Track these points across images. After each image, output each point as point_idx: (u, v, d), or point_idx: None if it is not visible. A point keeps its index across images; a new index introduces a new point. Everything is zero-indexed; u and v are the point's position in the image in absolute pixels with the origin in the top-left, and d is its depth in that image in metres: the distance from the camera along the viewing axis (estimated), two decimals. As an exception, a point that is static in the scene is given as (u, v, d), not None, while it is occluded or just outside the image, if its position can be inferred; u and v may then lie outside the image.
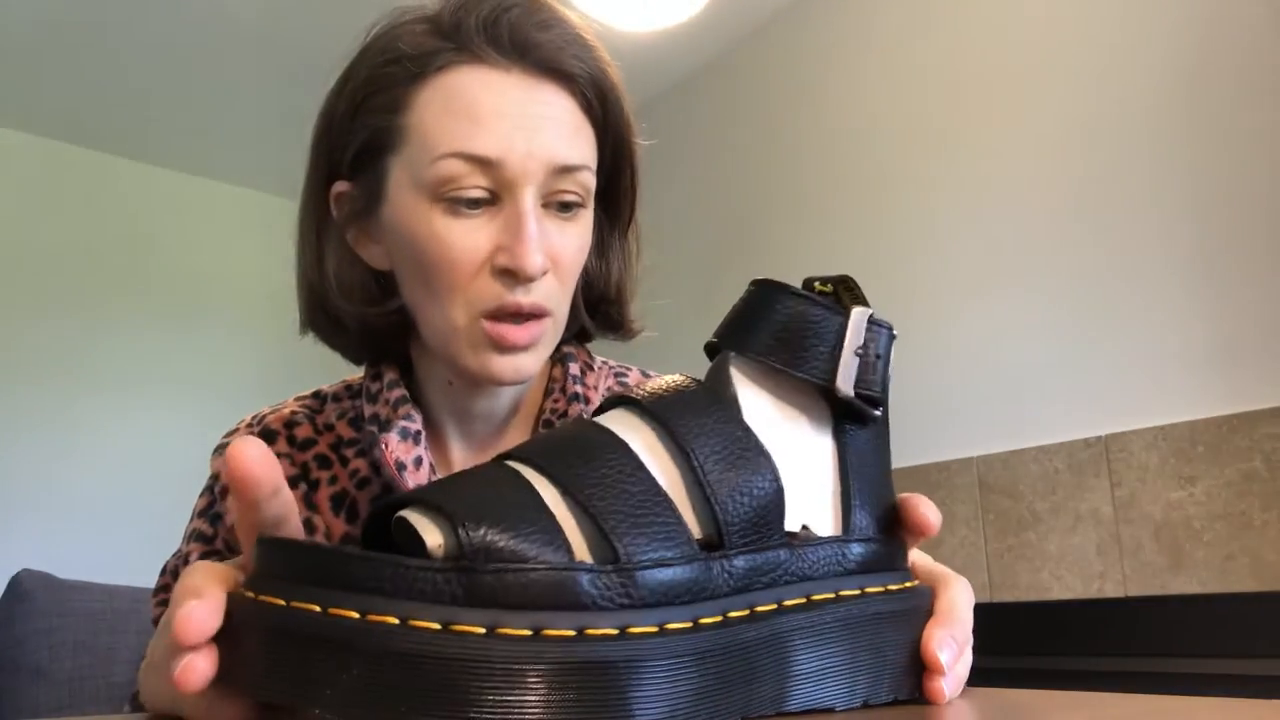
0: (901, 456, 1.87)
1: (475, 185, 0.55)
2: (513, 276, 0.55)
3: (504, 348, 0.56)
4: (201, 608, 0.26)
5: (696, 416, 0.31)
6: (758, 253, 2.30)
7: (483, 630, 0.23)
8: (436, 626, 0.23)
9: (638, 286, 0.70)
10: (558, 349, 0.69)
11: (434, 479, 0.59)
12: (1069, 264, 1.68)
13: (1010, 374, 1.76)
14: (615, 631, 0.25)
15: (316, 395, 0.70)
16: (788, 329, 0.33)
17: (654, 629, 0.25)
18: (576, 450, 0.29)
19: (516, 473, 0.29)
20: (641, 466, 0.29)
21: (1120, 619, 1.49)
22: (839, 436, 0.35)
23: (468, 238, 0.55)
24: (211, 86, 2.57)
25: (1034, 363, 1.71)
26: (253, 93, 2.61)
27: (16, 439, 2.59)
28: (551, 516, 0.27)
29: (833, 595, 0.31)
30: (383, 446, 0.59)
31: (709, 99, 2.48)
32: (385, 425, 0.61)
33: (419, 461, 0.60)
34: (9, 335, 2.63)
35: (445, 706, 0.23)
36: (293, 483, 0.63)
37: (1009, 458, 1.71)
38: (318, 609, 0.24)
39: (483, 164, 0.55)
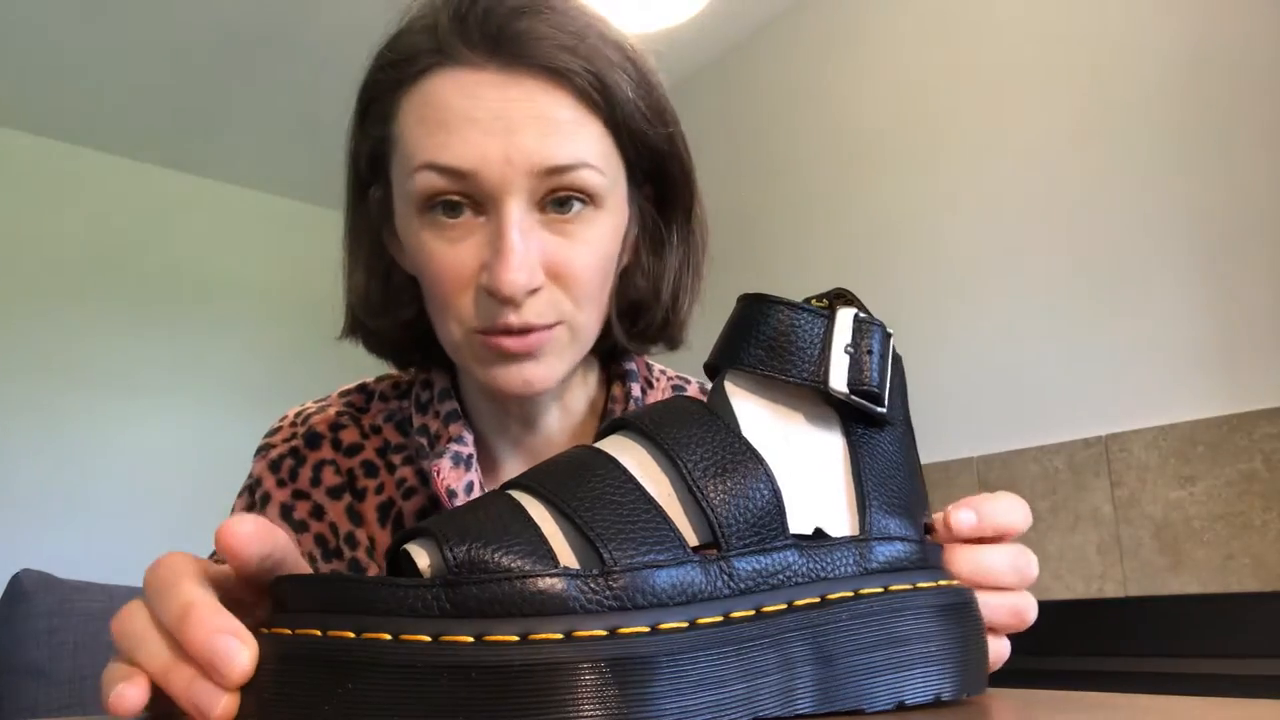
0: (901, 456, 1.87)
1: (454, 195, 0.52)
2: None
3: (505, 357, 0.53)
4: (250, 652, 0.26)
5: (685, 429, 0.31)
6: (759, 252, 2.30)
7: (471, 639, 0.24)
8: (427, 639, 0.24)
9: (698, 289, 0.64)
10: (619, 363, 0.66)
11: None
12: (1069, 264, 1.68)
13: (1010, 374, 1.75)
14: (605, 633, 0.25)
15: (362, 390, 0.68)
16: (775, 337, 0.34)
17: (646, 629, 0.26)
18: (568, 471, 0.30)
19: (508, 495, 0.30)
20: (631, 479, 0.29)
21: (1120, 619, 1.49)
22: (850, 438, 0.34)
23: (451, 254, 0.52)
24: (214, 87, 2.57)
25: (1034, 363, 1.71)
26: (255, 93, 2.61)
27: (17, 439, 2.59)
28: (537, 529, 0.27)
29: (851, 594, 0.31)
30: (435, 474, 0.57)
31: (709, 99, 2.48)
32: (435, 441, 0.60)
33: (470, 487, 0.58)
34: (10, 335, 2.63)
35: (436, 712, 0.23)
36: (338, 492, 0.62)
37: (1009, 458, 1.71)
38: (318, 633, 0.25)
39: (458, 175, 0.51)
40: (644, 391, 0.66)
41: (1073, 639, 1.52)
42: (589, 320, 0.56)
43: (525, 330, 0.52)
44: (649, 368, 0.69)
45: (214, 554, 0.64)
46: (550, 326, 0.53)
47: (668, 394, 0.68)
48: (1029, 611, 0.39)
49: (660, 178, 0.61)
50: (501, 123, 0.51)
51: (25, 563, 1.04)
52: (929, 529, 0.36)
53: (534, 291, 0.52)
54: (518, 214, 0.51)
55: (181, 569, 0.30)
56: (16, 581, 0.94)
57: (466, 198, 0.52)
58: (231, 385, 2.94)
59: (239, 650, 0.26)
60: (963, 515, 0.37)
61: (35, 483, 2.59)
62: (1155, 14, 1.61)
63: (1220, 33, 1.53)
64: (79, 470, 2.66)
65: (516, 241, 0.51)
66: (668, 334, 0.64)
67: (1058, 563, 1.61)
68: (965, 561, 0.37)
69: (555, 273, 0.53)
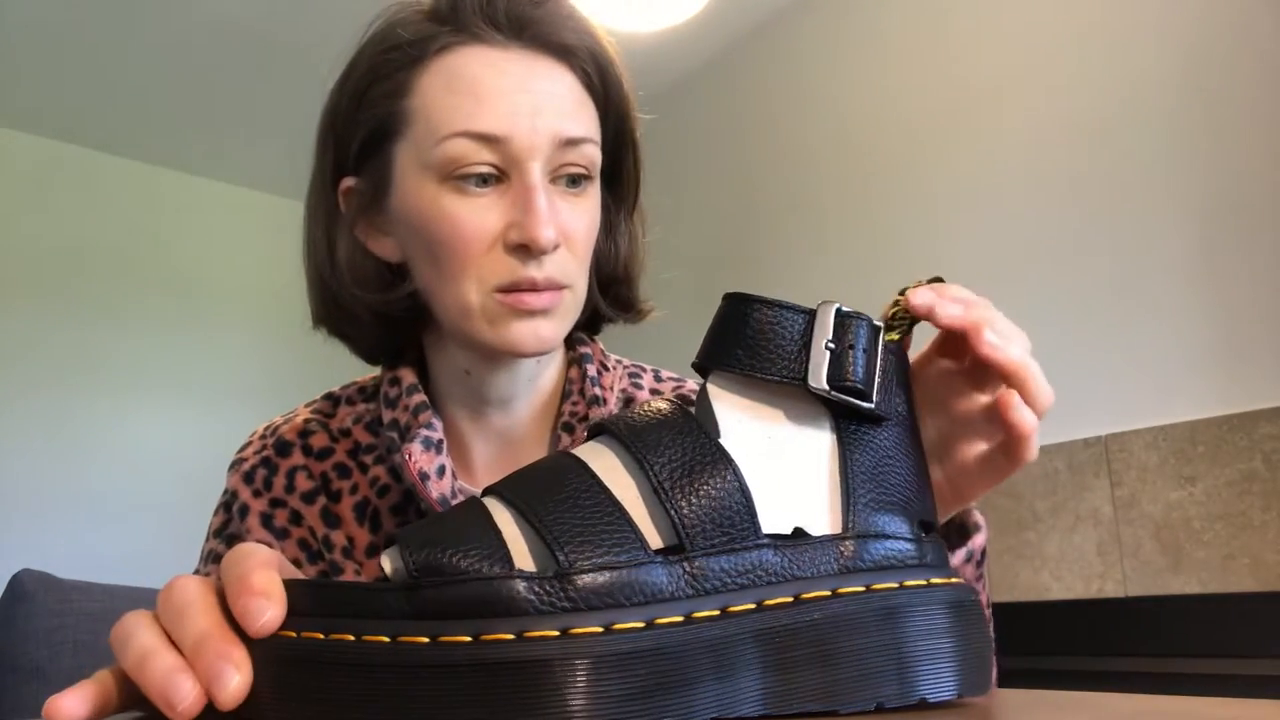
0: (901, 456, 1.86)
1: (482, 163, 0.55)
2: (526, 251, 0.55)
3: (522, 313, 0.56)
4: (242, 679, 0.28)
5: (656, 433, 0.32)
6: (757, 252, 2.30)
7: (426, 640, 0.25)
8: (386, 640, 0.25)
9: (644, 266, 0.70)
10: (574, 348, 0.68)
11: (456, 485, 0.60)
12: (1069, 264, 1.68)
13: (1010, 374, 1.75)
14: (556, 633, 0.26)
15: (328, 398, 0.69)
16: (755, 336, 0.34)
17: (599, 629, 0.26)
18: (540, 478, 0.31)
19: (479, 501, 0.31)
20: (599, 484, 0.30)
21: (1120, 619, 1.49)
22: (842, 435, 0.34)
23: (478, 215, 0.56)
24: (212, 86, 2.57)
25: (1034, 363, 1.71)
26: (253, 93, 2.61)
27: (17, 439, 2.59)
28: (498, 534, 0.29)
29: (828, 593, 0.30)
30: (406, 457, 0.58)
31: (709, 99, 2.48)
32: (406, 432, 0.61)
33: (442, 470, 0.59)
34: (9, 335, 2.63)
35: (391, 710, 0.25)
36: (312, 495, 0.63)
37: (1009, 458, 1.71)
38: (294, 634, 0.27)
39: (489, 141, 0.55)
40: (600, 373, 0.68)
41: (1073, 639, 1.52)
42: (583, 288, 0.61)
43: (548, 286, 0.56)
44: (604, 354, 0.71)
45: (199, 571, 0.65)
46: (562, 288, 0.58)
47: (623, 380, 0.71)
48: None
49: (619, 165, 0.66)
50: (528, 95, 0.56)
51: (25, 563, 1.04)
52: (929, 527, 0.35)
53: (554, 250, 0.57)
54: (540, 178, 0.56)
55: (197, 595, 0.30)
56: (17, 581, 0.94)
57: (493, 167, 0.56)
58: (231, 385, 2.94)
59: (232, 675, 0.27)
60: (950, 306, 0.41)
61: (35, 483, 2.59)
62: (1159, 14, 1.61)
63: (1222, 33, 1.53)
64: (79, 470, 2.66)
65: (543, 200, 0.56)
66: (633, 305, 0.69)
67: (1058, 563, 1.61)
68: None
69: (566, 235, 0.57)
